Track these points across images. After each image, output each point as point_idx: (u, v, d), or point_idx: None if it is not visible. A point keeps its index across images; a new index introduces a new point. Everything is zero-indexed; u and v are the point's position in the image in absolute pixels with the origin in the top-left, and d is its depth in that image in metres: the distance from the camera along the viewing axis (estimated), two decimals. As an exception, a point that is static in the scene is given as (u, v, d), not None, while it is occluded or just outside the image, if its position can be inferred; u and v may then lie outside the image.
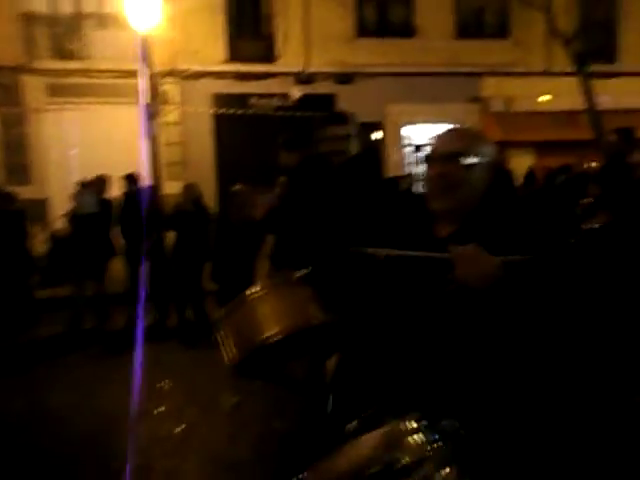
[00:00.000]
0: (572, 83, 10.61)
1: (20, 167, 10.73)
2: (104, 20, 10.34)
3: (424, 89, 11.71)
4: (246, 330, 1.54)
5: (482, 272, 1.30)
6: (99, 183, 6.12)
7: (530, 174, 7.90)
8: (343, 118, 8.86)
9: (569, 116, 11.81)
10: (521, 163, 10.74)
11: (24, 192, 7.76)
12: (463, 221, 1.46)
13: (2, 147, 10.81)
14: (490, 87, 12.56)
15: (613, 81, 12.21)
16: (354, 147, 3.43)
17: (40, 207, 10.20)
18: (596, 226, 3.91)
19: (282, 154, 3.75)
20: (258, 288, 1.56)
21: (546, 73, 12.46)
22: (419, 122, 12.63)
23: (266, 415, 3.79)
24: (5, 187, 7.00)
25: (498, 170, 1.58)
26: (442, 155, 1.46)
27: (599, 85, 10.68)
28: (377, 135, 12.47)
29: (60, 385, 4.64)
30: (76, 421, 3.93)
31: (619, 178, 3.79)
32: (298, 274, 1.55)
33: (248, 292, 1.57)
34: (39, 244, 7.87)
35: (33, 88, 10.68)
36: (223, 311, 1.63)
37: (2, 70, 10.39)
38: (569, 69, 10.61)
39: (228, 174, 10.01)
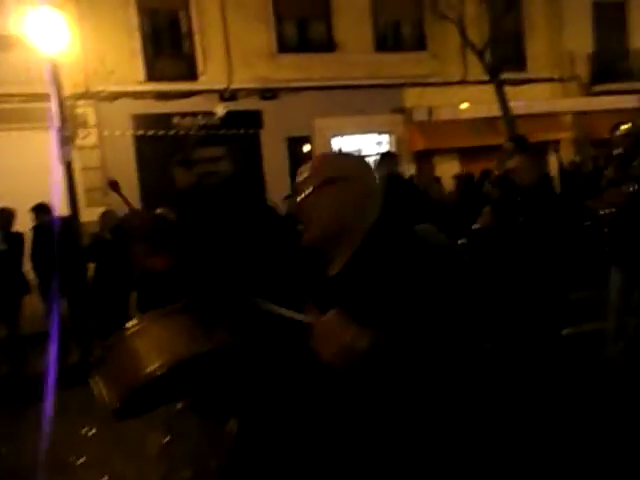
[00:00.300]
0: (488, 91, 11.10)
1: None
2: (7, 42, 9.71)
3: (349, 102, 11.86)
4: (126, 368, 1.39)
5: (342, 349, 1.11)
6: (3, 216, 5.67)
7: (467, 181, 7.83)
8: (216, 139, 8.72)
9: (488, 122, 12.33)
10: (446, 170, 11.08)
11: None
12: (351, 256, 1.29)
13: None
14: (412, 98, 12.92)
15: (524, 87, 12.91)
16: (228, 168, 3.37)
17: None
18: (477, 226, 4.06)
19: (182, 173, 3.57)
20: (135, 322, 1.42)
21: (463, 82, 12.98)
22: (347, 134, 12.78)
23: (199, 454, 3.56)
24: None
25: (397, 192, 1.49)
26: (295, 186, 1.37)
27: (511, 92, 11.24)
28: (306, 148, 12.49)
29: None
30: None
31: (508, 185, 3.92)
32: (178, 303, 1.42)
33: (124, 329, 1.42)
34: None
35: None
36: (96, 355, 1.47)
37: None
38: (484, 78, 11.10)
39: (153, 197, 9.63)
